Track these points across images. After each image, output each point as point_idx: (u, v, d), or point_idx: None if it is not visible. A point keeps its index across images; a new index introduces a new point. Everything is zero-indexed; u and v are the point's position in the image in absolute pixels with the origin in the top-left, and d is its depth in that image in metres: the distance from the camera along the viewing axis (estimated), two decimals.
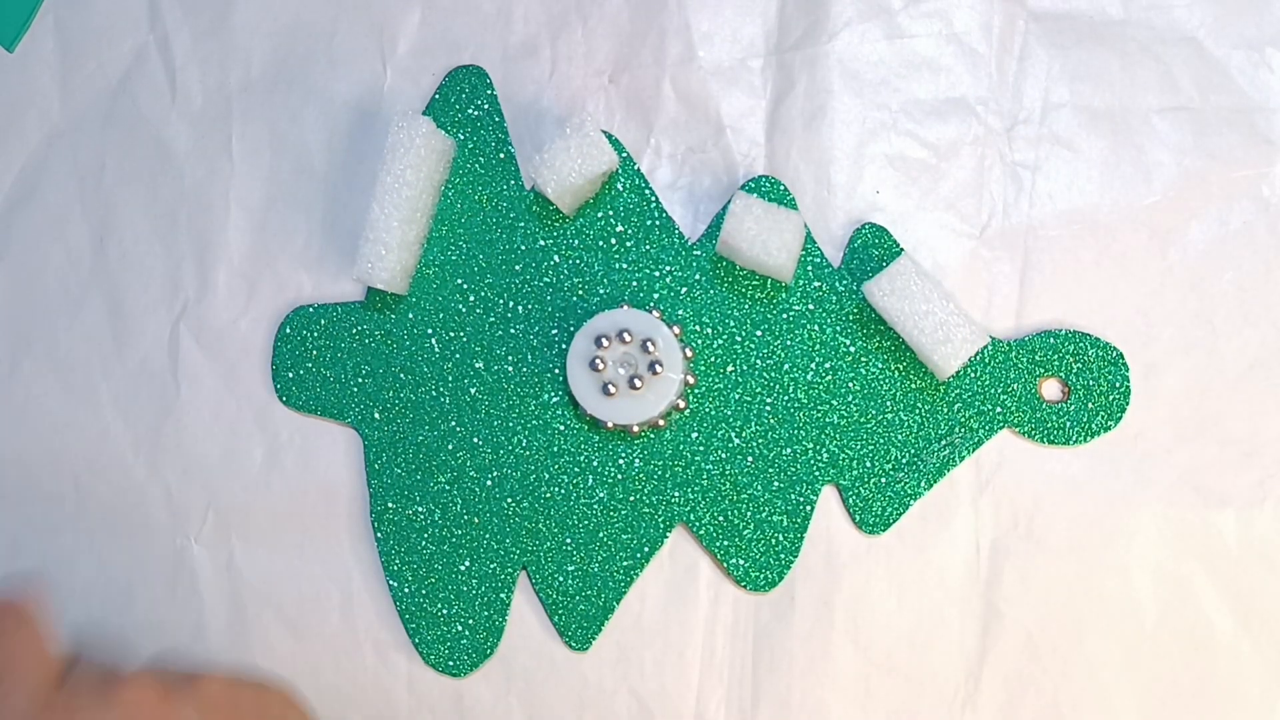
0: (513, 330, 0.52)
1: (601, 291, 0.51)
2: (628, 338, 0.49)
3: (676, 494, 0.51)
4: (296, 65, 0.54)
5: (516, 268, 0.52)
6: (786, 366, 0.51)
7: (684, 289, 0.51)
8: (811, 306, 0.51)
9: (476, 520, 0.52)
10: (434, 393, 0.52)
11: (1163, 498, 0.50)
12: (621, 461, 0.51)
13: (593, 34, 0.53)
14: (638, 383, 0.49)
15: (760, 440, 0.51)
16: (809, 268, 0.51)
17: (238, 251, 0.54)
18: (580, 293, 0.52)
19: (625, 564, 0.51)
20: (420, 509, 0.52)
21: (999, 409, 0.50)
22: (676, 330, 0.50)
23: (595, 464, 0.51)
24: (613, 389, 0.49)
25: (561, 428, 0.51)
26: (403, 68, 0.54)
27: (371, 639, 0.53)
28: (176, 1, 0.55)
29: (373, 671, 0.53)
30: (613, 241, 0.52)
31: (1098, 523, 0.50)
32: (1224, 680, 0.50)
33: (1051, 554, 0.50)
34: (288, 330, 0.53)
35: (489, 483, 0.52)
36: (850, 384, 0.50)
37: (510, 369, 0.52)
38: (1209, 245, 0.50)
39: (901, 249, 0.51)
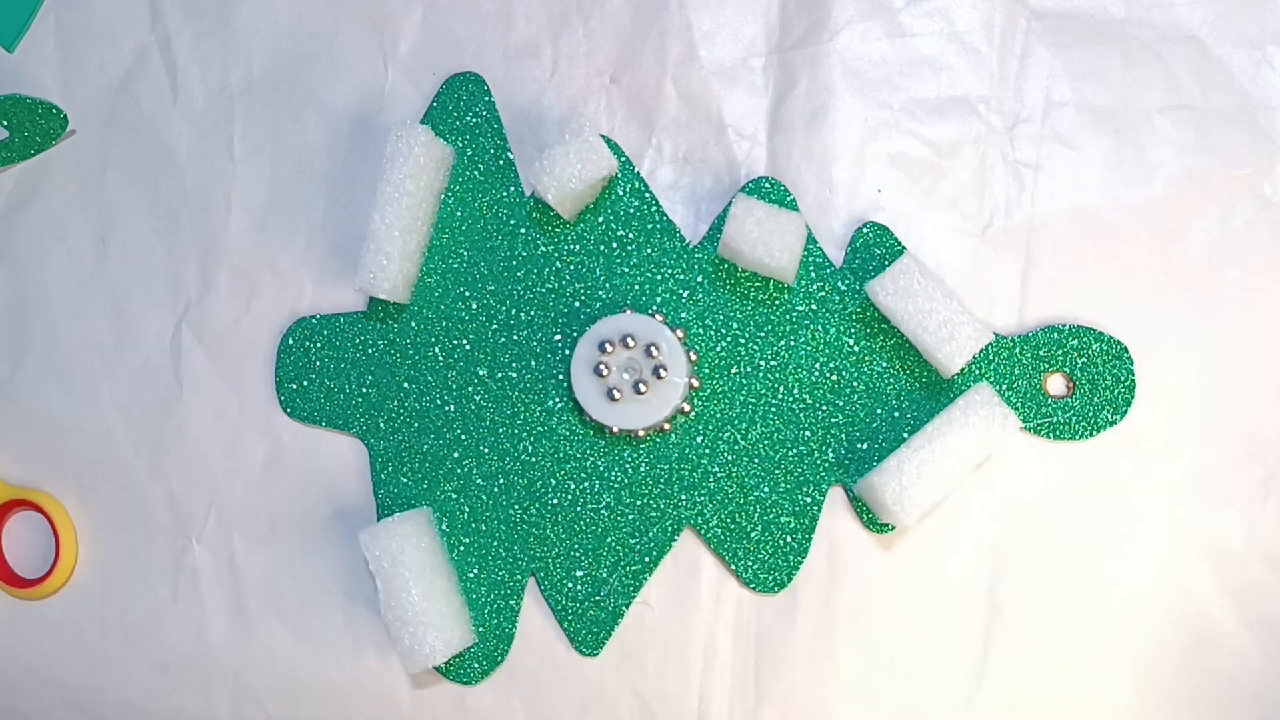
0: (516, 337, 0.52)
1: (604, 296, 0.51)
2: (631, 343, 0.49)
3: (684, 497, 0.51)
4: (298, 66, 0.54)
5: (518, 274, 0.52)
6: (791, 367, 0.51)
7: (686, 292, 0.51)
8: (815, 307, 0.51)
9: (484, 528, 0.52)
10: (438, 401, 0.52)
11: (1166, 496, 0.50)
12: (628, 466, 0.51)
13: (594, 33, 0.53)
14: (642, 388, 0.49)
15: (766, 442, 0.51)
16: (811, 268, 0.51)
17: (240, 252, 0.54)
18: (583, 298, 0.51)
19: (634, 568, 0.51)
20: None
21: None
22: (680, 333, 0.49)
23: (601, 469, 0.51)
24: (617, 394, 0.49)
25: (567, 433, 0.51)
26: (404, 67, 0.53)
27: (373, 640, 0.53)
28: (178, 2, 0.55)
29: (374, 672, 0.53)
30: (614, 246, 0.51)
31: (1101, 522, 0.50)
32: (1227, 679, 0.50)
33: (1055, 552, 0.50)
34: (290, 342, 0.53)
35: (495, 490, 0.52)
36: (855, 383, 0.50)
37: (514, 376, 0.52)
38: (1211, 244, 0.50)
39: (903, 247, 0.51)
